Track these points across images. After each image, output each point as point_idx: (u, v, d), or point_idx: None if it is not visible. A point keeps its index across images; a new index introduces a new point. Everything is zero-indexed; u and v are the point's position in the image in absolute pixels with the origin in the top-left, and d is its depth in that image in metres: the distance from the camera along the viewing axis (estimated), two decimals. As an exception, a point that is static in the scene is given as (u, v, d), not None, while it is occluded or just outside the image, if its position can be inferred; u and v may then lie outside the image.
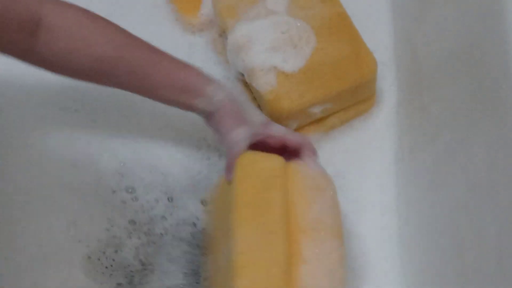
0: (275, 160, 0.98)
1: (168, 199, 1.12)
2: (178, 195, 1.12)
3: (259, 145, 1.01)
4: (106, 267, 1.07)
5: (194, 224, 1.10)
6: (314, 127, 1.15)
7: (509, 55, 0.90)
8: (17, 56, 0.96)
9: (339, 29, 1.14)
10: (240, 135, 1.00)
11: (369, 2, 1.25)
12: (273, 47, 1.12)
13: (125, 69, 1.00)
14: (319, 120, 1.14)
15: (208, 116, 1.03)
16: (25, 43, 0.94)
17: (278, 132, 1.02)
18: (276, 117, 1.10)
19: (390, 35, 1.23)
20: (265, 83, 1.10)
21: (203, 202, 1.11)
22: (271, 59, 1.11)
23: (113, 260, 1.07)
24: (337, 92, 1.11)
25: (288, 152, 1.02)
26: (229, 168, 0.99)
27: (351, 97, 1.14)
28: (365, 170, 1.14)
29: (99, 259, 1.07)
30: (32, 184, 1.11)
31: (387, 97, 1.18)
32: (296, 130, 1.14)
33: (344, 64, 1.11)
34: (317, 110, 1.11)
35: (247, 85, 1.17)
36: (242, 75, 1.15)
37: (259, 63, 1.11)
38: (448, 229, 0.97)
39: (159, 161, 1.14)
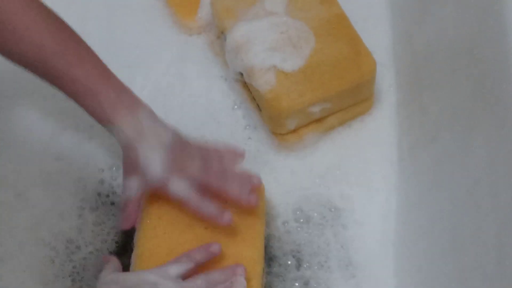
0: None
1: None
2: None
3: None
4: (69, 275, 1.05)
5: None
6: (313, 127, 1.15)
7: (509, 55, 0.90)
8: None
9: (338, 30, 1.14)
10: (131, 184, 0.98)
11: (368, 3, 1.25)
12: (272, 47, 1.12)
13: (43, 74, 0.97)
14: (318, 120, 1.14)
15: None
16: None
17: (176, 193, 0.97)
18: (275, 116, 1.11)
19: (389, 35, 1.23)
20: (264, 83, 1.10)
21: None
22: (271, 59, 1.11)
23: (78, 266, 1.06)
24: (336, 92, 1.11)
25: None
26: (122, 214, 1.00)
27: (350, 97, 1.14)
28: (364, 170, 1.13)
29: (62, 265, 1.06)
30: (11, 176, 1.11)
31: (386, 97, 1.18)
32: (295, 130, 1.14)
33: (343, 64, 1.11)
34: (316, 110, 1.11)
35: (246, 86, 1.17)
36: (241, 75, 1.15)
37: (258, 62, 1.11)
38: (448, 229, 0.97)
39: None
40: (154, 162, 0.96)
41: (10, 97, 1.18)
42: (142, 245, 1.00)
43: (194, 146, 1.01)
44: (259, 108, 1.16)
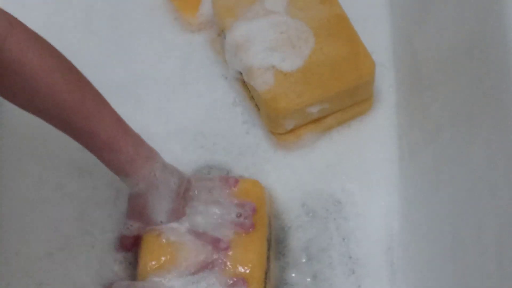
0: None
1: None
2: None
3: None
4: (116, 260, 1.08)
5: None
6: (311, 127, 1.15)
7: (509, 55, 0.90)
8: None
9: (338, 30, 1.14)
10: (132, 227, 1.02)
11: (368, 3, 1.25)
12: (271, 47, 1.12)
13: (60, 127, 0.97)
14: (316, 121, 1.14)
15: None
16: None
17: (173, 237, 1.02)
18: (273, 116, 1.11)
19: (389, 36, 1.23)
20: (263, 82, 1.10)
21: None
22: (270, 59, 1.11)
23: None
24: (334, 93, 1.11)
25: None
26: (118, 243, 1.06)
27: (348, 98, 1.14)
28: (362, 170, 1.14)
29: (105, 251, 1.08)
30: (42, 171, 1.13)
31: (386, 98, 1.18)
32: (293, 130, 1.14)
33: (342, 65, 1.11)
34: (314, 110, 1.11)
35: (245, 85, 1.17)
36: (240, 74, 1.15)
37: (257, 62, 1.11)
38: (448, 229, 0.97)
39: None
40: (159, 211, 1.00)
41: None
42: (146, 243, 1.01)
43: (193, 183, 1.04)
44: (258, 107, 1.16)
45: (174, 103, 1.19)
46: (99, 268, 1.07)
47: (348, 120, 1.17)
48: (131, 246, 1.05)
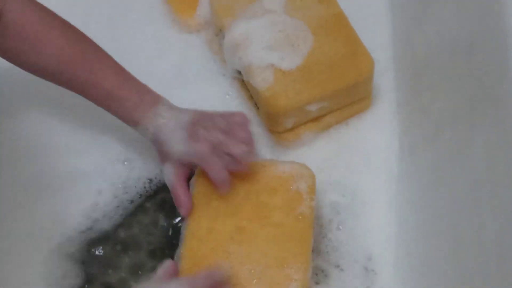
0: None
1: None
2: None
3: None
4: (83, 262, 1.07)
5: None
6: (310, 125, 1.15)
7: (509, 55, 0.90)
8: None
9: (336, 29, 1.14)
10: (168, 170, 1.04)
11: (368, 2, 1.25)
12: (270, 46, 1.12)
13: (65, 83, 1.02)
14: (315, 119, 1.15)
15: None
16: None
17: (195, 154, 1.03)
18: (273, 115, 1.11)
19: (389, 34, 1.23)
20: (262, 81, 1.10)
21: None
22: (268, 57, 1.11)
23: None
24: (333, 91, 1.11)
25: None
26: (176, 203, 1.04)
27: (347, 96, 1.14)
28: (361, 169, 1.14)
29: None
30: (30, 171, 1.13)
31: (385, 96, 1.19)
32: (292, 128, 1.14)
33: (341, 63, 1.12)
34: (313, 109, 1.11)
35: (243, 84, 1.17)
36: (239, 73, 1.15)
37: (256, 60, 1.11)
38: (448, 229, 0.98)
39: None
40: (176, 140, 1.01)
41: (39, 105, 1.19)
42: (187, 243, 1.01)
43: (211, 113, 1.06)
44: (256, 106, 1.16)
45: (170, 100, 1.19)
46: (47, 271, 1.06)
47: (347, 118, 1.17)
48: (185, 197, 1.03)
